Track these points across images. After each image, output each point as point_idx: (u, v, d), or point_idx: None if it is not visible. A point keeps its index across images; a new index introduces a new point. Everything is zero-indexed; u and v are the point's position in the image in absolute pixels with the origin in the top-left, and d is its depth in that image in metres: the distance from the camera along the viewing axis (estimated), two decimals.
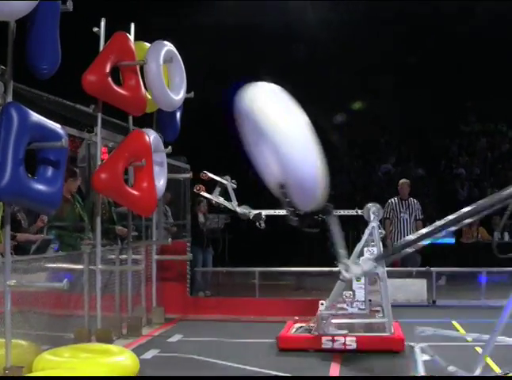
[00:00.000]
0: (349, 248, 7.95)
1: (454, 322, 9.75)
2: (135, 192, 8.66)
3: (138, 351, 8.00)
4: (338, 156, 28.83)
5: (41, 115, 6.28)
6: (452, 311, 11.08)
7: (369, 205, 8.59)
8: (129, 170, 9.02)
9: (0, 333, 6.19)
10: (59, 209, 7.33)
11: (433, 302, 12.20)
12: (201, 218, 13.85)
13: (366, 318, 8.52)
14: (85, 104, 8.79)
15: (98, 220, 8.57)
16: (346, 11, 25.19)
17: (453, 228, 6.25)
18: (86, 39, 8.75)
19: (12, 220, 6.54)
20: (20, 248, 8.18)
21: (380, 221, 8.83)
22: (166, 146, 10.13)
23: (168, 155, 10.26)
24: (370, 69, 27.68)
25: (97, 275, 8.49)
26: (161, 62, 9.35)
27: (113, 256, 9.38)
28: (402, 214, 13.14)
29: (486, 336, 5.80)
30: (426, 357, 5.95)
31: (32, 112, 6.09)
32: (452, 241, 19.18)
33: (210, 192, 9.22)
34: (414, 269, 12.76)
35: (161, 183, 9.58)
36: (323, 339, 8.22)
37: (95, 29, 8.73)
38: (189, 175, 11.48)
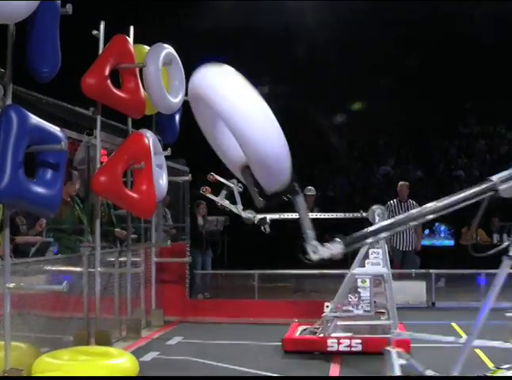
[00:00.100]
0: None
1: (453, 324, 9.77)
2: (134, 195, 8.67)
3: (137, 353, 8.02)
4: (337, 158, 28.90)
5: (40, 117, 6.28)
6: (451, 313, 11.09)
7: (374, 207, 8.60)
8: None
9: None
10: (58, 212, 7.33)
11: (433, 303, 12.21)
12: (200, 221, 13.85)
13: (371, 320, 8.51)
14: (84, 106, 8.79)
15: (97, 223, 8.58)
16: (347, 11, 25.17)
17: (415, 223, 6.27)
18: (86, 42, 8.75)
19: (10, 224, 6.53)
20: (19, 251, 8.19)
21: None
22: (165, 149, 10.15)
23: (167, 158, 10.27)
24: (369, 70, 27.69)
25: (96, 278, 8.49)
26: (160, 65, 9.36)
27: (112, 259, 9.38)
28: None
29: (463, 340, 5.83)
30: (403, 361, 5.97)
31: (31, 115, 6.10)
32: (451, 243, 19.22)
33: (215, 195, 9.22)
34: (414, 271, 12.77)
35: (163, 184, 9.63)
36: (329, 341, 8.21)
37: (94, 32, 8.74)
38: (188, 177, 11.50)
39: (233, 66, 5.65)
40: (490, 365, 6.57)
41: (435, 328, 8.66)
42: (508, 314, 6.17)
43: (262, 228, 8.41)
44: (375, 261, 8.31)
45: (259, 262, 14.42)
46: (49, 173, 6.40)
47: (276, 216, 8.51)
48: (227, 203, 8.38)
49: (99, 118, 8.62)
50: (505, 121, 28.29)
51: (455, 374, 5.47)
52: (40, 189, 6.19)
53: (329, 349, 8.17)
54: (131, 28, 9.37)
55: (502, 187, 6.04)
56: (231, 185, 8.69)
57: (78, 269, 8.42)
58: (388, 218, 12.86)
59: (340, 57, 26.43)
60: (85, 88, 8.01)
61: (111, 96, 8.44)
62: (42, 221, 8.63)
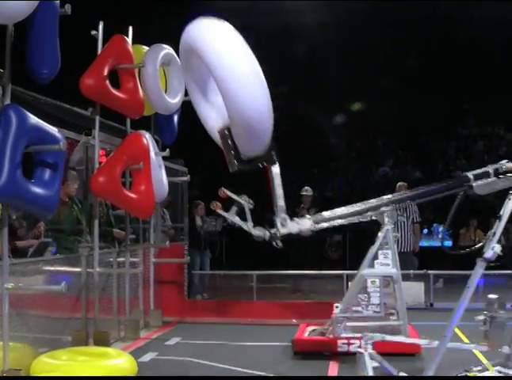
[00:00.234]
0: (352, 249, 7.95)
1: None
2: (133, 195, 8.67)
3: (136, 353, 8.00)
4: (336, 158, 28.92)
5: (39, 118, 6.27)
6: (449, 314, 11.07)
7: (383, 208, 8.58)
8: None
9: None
10: (56, 212, 7.32)
11: (431, 304, 12.21)
12: (199, 221, 13.86)
13: (381, 321, 8.47)
14: (83, 107, 8.79)
15: (96, 223, 8.58)
16: (347, 11, 25.19)
17: (371, 212, 6.29)
18: (84, 42, 8.75)
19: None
20: (17, 251, 8.18)
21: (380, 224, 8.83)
22: (163, 149, 10.15)
23: (166, 158, 10.26)
24: (369, 71, 27.72)
25: (94, 278, 8.49)
26: (158, 65, 9.37)
27: (111, 259, 9.38)
28: (399, 217, 13.14)
29: (436, 342, 5.84)
30: (375, 363, 5.98)
31: (30, 115, 6.10)
32: (449, 243, 19.21)
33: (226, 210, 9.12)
34: (412, 272, 12.76)
35: (165, 185, 9.65)
36: (339, 342, 8.16)
37: (93, 32, 8.74)
38: (186, 178, 11.50)
39: None
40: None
41: (433, 329, 8.65)
42: (477, 318, 6.19)
43: (274, 243, 8.38)
44: (384, 262, 8.29)
45: (257, 262, 14.43)
46: (47, 174, 6.38)
47: (285, 231, 8.48)
48: (237, 219, 8.32)
49: (97, 118, 8.62)
50: (503, 122, 28.32)
51: (430, 374, 5.51)
52: (37, 189, 6.18)
53: (339, 350, 8.13)
54: (130, 29, 9.36)
55: (476, 184, 6.10)
56: (242, 202, 8.62)
57: (77, 269, 8.42)
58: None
59: (340, 57, 26.48)
60: (84, 88, 8.01)
61: (109, 96, 8.44)
62: (41, 225, 8.62)
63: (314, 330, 8.86)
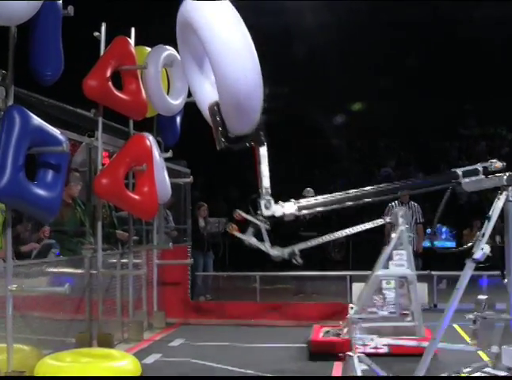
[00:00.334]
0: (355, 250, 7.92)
1: (455, 326, 9.73)
2: (136, 197, 8.67)
3: (140, 355, 7.98)
4: (337, 159, 28.91)
5: (42, 119, 6.27)
6: (453, 315, 11.04)
7: (396, 209, 8.55)
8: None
9: (1, 338, 6.18)
10: (59, 213, 7.32)
11: (435, 305, 12.18)
12: (202, 223, 13.84)
13: (397, 322, 8.42)
14: (85, 108, 8.79)
15: (99, 224, 8.57)
16: (348, 12, 25.17)
17: (369, 200, 6.27)
18: (87, 43, 8.75)
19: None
20: (21, 254, 8.17)
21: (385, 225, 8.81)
22: (166, 151, 10.15)
23: (168, 159, 10.26)
24: (370, 71, 27.70)
25: (98, 280, 8.49)
26: (159, 66, 9.37)
27: (114, 261, 9.38)
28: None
29: (426, 343, 5.82)
30: (364, 366, 5.95)
31: (34, 116, 6.10)
32: (453, 244, 19.19)
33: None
34: (415, 273, 12.72)
35: (168, 186, 9.65)
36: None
37: (96, 34, 8.74)
38: (189, 179, 11.50)
39: None
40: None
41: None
42: (468, 316, 6.18)
43: (294, 261, 8.35)
44: (399, 263, 8.27)
45: (260, 264, 14.43)
46: (50, 176, 6.38)
47: (303, 246, 8.46)
48: (254, 240, 8.27)
49: (100, 120, 8.61)
50: (505, 122, 28.29)
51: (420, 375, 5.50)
52: (40, 191, 6.17)
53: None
54: (133, 30, 9.37)
55: (464, 180, 6.08)
56: (258, 223, 8.56)
57: (80, 271, 8.42)
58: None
59: (340, 58, 26.44)
60: (87, 90, 8.02)
61: (112, 98, 8.44)
62: (46, 229, 8.60)
63: (328, 331, 8.81)
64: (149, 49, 9.57)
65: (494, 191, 6.06)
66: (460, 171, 6.19)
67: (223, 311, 11.06)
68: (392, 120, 28.34)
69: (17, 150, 5.80)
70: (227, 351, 8.88)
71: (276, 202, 5.90)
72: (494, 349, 5.70)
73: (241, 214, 8.25)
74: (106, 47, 8.63)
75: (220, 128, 5.64)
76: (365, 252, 18.55)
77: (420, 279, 12.42)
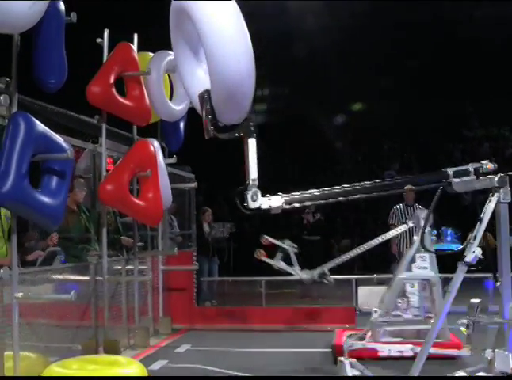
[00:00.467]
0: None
1: (463, 328, 9.70)
2: (140, 203, 8.66)
3: (146, 361, 7.97)
4: (341, 161, 28.89)
5: (46, 126, 6.27)
6: (459, 317, 10.99)
7: (418, 211, 8.51)
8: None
9: (8, 346, 6.17)
10: (64, 220, 7.30)
11: None
12: (206, 228, 13.83)
13: (421, 325, 8.36)
14: (89, 114, 8.79)
15: (104, 231, 8.56)
16: (350, 13, 25.18)
17: (357, 196, 6.26)
18: (90, 50, 8.75)
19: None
20: (26, 261, 8.16)
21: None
22: (170, 156, 10.14)
23: (173, 165, 10.26)
24: (372, 73, 27.70)
25: (103, 286, 8.47)
26: (161, 72, 9.37)
27: (119, 267, 9.37)
28: (407, 221, 13.06)
29: (418, 349, 5.79)
30: (356, 372, 5.92)
31: (38, 122, 6.09)
32: (458, 246, 19.11)
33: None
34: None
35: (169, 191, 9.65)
36: (380, 346, 7.97)
37: (99, 40, 8.74)
38: (193, 184, 11.49)
39: None
40: None
41: None
42: (461, 321, 6.15)
43: (325, 280, 8.32)
44: (422, 265, 8.24)
45: (265, 268, 14.40)
46: (54, 183, 6.36)
47: (332, 264, 8.44)
48: (283, 265, 8.27)
49: (104, 126, 8.61)
50: (509, 123, 28.24)
51: None
52: (44, 198, 6.15)
53: (380, 355, 7.96)
54: (135, 36, 9.36)
55: (455, 180, 6.06)
56: (286, 247, 8.55)
57: (86, 278, 8.41)
58: (393, 222, 12.98)
59: (342, 59, 26.42)
60: (91, 96, 8.02)
61: (116, 104, 8.44)
62: (54, 236, 8.59)
63: (350, 335, 8.71)
64: (152, 54, 9.56)
65: None
66: (450, 171, 6.17)
67: (229, 316, 11.04)
68: (394, 122, 28.33)
69: (21, 155, 5.79)
70: (234, 356, 8.86)
71: (263, 195, 5.84)
72: (488, 354, 5.66)
73: (268, 239, 8.24)
74: (109, 53, 8.63)
75: (210, 116, 5.59)
76: (370, 256, 18.53)
77: None
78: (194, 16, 5.27)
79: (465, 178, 6.14)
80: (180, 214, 12.51)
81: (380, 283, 11.28)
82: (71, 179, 6.95)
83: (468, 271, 5.85)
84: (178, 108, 9.83)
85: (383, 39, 26.30)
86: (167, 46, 9.51)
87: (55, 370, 6.49)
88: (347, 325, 9.64)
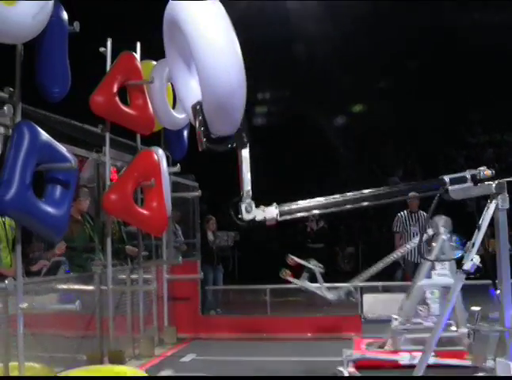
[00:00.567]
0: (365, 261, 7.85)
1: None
2: (145, 212, 8.64)
3: (151, 371, 7.95)
4: (346, 169, 28.87)
5: (49, 135, 6.25)
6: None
7: (437, 218, 8.41)
8: None
9: (13, 356, 6.14)
10: (69, 229, 7.29)
11: None
12: (210, 236, 13.80)
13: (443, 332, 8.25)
14: (93, 124, 8.78)
15: (109, 240, 8.53)
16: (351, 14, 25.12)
17: (350, 206, 6.21)
18: (93, 59, 8.75)
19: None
20: (31, 273, 8.14)
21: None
22: (174, 164, 10.12)
23: (176, 173, 10.24)
24: (373, 76, 27.72)
25: (108, 296, 8.44)
26: (164, 80, 9.36)
27: (124, 277, 9.34)
28: (411, 228, 13.03)
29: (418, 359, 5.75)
30: None
31: (43, 132, 6.08)
32: (458, 254, 19.04)
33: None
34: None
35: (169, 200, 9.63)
36: (401, 355, 7.79)
37: (102, 49, 8.74)
38: (197, 193, 11.47)
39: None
40: None
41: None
42: (460, 331, 6.12)
43: (351, 298, 8.28)
44: (442, 272, 8.17)
45: (270, 276, 14.35)
46: (58, 193, 6.34)
47: (356, 282, 8.39)
48: (309, 285, 8.26)
49: (108, 135, 8.60)
50: None
51: None
52: (47, 208, 6.13)
53: (402, 363, 7.81)
54: (138, 45, 9.36)
55: (451, 187, 6.02)
56: (312, 267, 8.52)
57: (90, 287, 8.37)
58: (397, 230, 12.95)
59: (348, 67, 26.39)
60: (94, 106, 8.03)
61: (119, 113, 8.43)
62: (62, 245, 8.57)
63: (370, 344, 8.63)
64: (155, 63, 9.56)
65: None
66: (447, 178, 6.14)
67: (235, 325, 11.00)
68: (397, 128, 28.32)
69: (25, 163, 5.77)
70: (240, 365, 8.80)
71: (257, 206, 5.81)
72: (490, 363, 5.61)
73: (294, 259, 8.21)
74: (112, 62, 8.63)
75: (202, 128, 5.58)
76: (375, 263, 18.48)
77: None
78: (184, 28, 5.28)
79: (463, 185, 6.11)
80: (184, 222, 12.50)
81: (386, 290, 11.25)
82: (76, 188, 6.92)
83: (472, 279, 5.82)
84: (181, 116, 9.82)
85: (384, 44, 26.27)
86: None
87: None
88: (353, 334, 9.57)
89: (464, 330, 7.67)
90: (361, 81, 26.86)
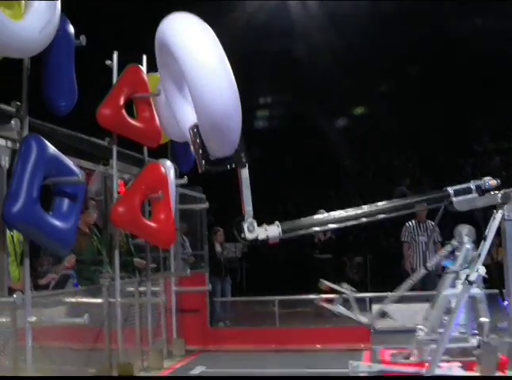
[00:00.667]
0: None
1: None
2: (153, 225, 8.64)
3: None
4: (351, 179, 28.86)
5: (57, 148, 6.27)
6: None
7: (460, 227, 8.33)
8: None
9: (21, 369, 6.13)
10: (77, 242, 7.29)
11: None
12: (218, 248, 13.78)
13: (467, 342, 8.17)
14: (100, 137, 8.79)
15: (116, 253, 8.53)
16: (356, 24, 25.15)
17: (354, 222, 6.16)
18: (99, 72, 8.78)
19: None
20: (39, 287, 8.15)
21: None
22: (181, 177, 10.13)
23: (184, 186, 10.24)
24: (383, 85, 27.73)
25: (116, 309, 8.43)
26: None
27: (132, 289, 9.32)
28: (420, 237, 12.99)
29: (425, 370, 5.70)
30: None
31: (50, 145, 6.10)
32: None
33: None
34: (434, 293, 12.56)
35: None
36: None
37: (108, 62, 8.76)
38: (205, 205, 11.47)
39: (238, 80, 5.47)
40: None
41: None
42: (470, 342, 6.05)
43: (388, 318, 8.22)
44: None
45: (278, 288, 14.33)
46: (66, 206, 6.35)
47: (388, 302, 8.36)
48: (342, 309, 8.25)
49: (115, 148, 8.61)
50: None
51: None
52: (55, 221, 6.13)
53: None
54: (144, 57, 9.38)
55: (456, 199, 5.98)
56: (346, 291, 8.50)
57: (98, 300, 8.37)
58: (405, 239, 12.91)
59: (354, 75, 26.39)
60: (101, 119, 8.05)
61: (126, 126, 8.45)
62: (72, 258, 8.57)
63: (395, 355, 8.53)
64: None
65: None
66: (451, 190, 6.09)
67: (244, 337, 10.96)
68: (404, 137, 28.32)
69: (32, 177, 5.80)
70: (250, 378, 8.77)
71: (259, 224, 5.81)
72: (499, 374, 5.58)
73: (326, 284, 8.19)
74: (118, 75, 8.65)
75: (201, 150, 5.59)
76: (383, 273, 18.43)
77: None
78: (175, 52, 5.30)
79: (468, 196, 6.07)
80: (192, 234, 12.49)
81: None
82: (83, 202, 6.93)
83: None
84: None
85: (390, 53, 26.28)
86: None
87: None
88: (362, 345, 9.52)
89: (474, 341, 7.63)
90: (362, 85, 26.88)
